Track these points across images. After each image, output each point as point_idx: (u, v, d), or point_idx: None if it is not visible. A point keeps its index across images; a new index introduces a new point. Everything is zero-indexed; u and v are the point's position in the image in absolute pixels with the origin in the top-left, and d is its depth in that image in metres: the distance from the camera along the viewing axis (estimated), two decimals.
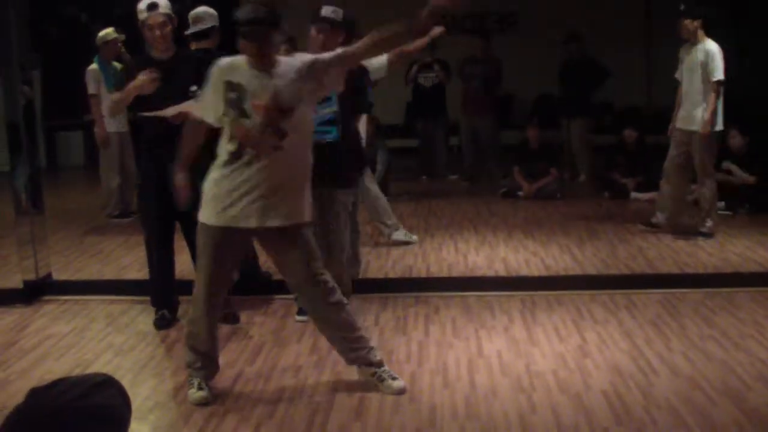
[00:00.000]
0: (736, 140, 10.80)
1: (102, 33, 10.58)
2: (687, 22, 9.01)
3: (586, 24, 14.68)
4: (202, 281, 5.28)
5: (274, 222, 5.10)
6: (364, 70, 6.94)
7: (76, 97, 12.24)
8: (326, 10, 6.47)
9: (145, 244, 6.87)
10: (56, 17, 17.57)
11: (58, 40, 17.38)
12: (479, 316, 6.81)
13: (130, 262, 8.65)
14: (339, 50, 5.25)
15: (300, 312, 6.81)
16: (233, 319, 6.75)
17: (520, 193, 11.91)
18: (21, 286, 7.61)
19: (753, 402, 5.09)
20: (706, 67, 8.91)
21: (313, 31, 6.62)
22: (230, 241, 5.18)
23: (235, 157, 5.02)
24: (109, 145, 10.74)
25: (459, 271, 8.24)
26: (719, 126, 9.00)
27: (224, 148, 5.07)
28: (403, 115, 16.74)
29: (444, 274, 8.16)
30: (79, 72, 10.89)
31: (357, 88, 6.68)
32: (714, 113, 8.86)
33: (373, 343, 5.60)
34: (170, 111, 6.20)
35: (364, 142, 7.68)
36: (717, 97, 8.87)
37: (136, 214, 9.88)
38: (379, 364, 5.39)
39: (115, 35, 10.58)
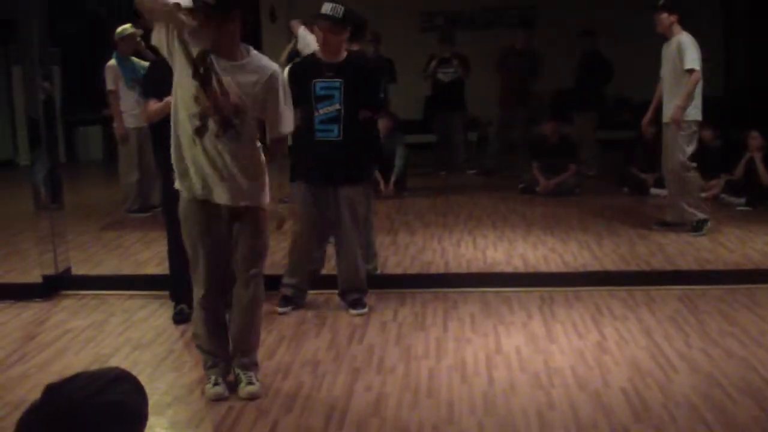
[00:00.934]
0: (756, 141, 10.75)
1: (120, 29, 10.59)
2: (663, 16, 9.00)
3: (604, 18, 14.64)
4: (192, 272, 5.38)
5: (241, 201, 5.17)
6: (379, 62, 7.01)
7: (95, 92, 12.25)
8: (326, 8, 6.55)
9: (167, 239, 6.87)
10: (76, 12, 17.62)
11: (78, 34, 17.43)
12: (498, 312, 6.79)
13: (149, 257, 8.67)
14: (277, 128, 5.17)
15: (355, 305, 6.88)
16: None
17: (539, 189, 11.87)
18: (40, 280, 7.64)
19: None
20: (678, 58, 8.90)
21: (315, 29, 6.70)
22: (206, 215, 5.20)
23: (198, 131, 4.99)
24: (128, 141, 10.76)
25: (477, 266, 8.21)
26: (695, 116, 8.95)
27: (186, 118, 5.03)
28: (421, 110, 16.74)
29: (463, 269, 8.14)
30: (98, 67, 10.92)
31: (367, 82, 6.70)
32: (686, 99, 8.84)
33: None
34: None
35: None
36: (692, 86, 8.83)
37: (156, 209, 9.92)
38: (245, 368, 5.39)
39: (133, 30, 10.58)
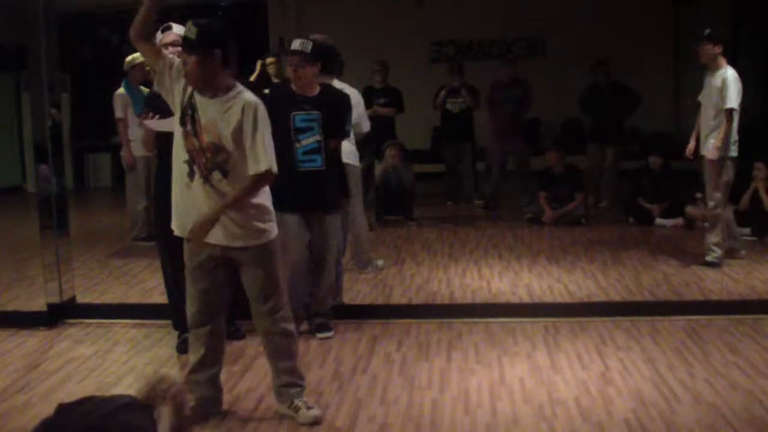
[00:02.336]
0: (761, 172, 10.75)
1: (129, 57, 10.65)
2: (708, 46, 8.94)
3: (614, 49, 14.66)
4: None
5: (235, 242, 5.11)
6: (343, 96, 7.17)
7: (105, 119, 12.32)
8: (295, 44, 6.76)
9: (161, 268, 6.90)
10: (88, 39, 17.75)
11: (90, 61, 17.55)
12: (502, 343, 6.78)
13: (155, 285, 8.67)
14: (253, 165, 4.95)
15: (319, 329, 7.07)
16: (237, 334, 6.93)
17: (545, 219, 11.88)
18: (45, 308, 7.65)
19: None
20: (720, 93, 8.85)
21: (288, 64, 6.87)
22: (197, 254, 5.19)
23: (189, 175, 5.03)
24: (136, 169, 10.80)
25: (483, 297, 8.21)
26: (732, 152, 8.91)
27: (179, 162, 5.09)
28: (429, 140, 16.79)
29: (468, 300, 8.13)
30: (109, 94, 10.99)
31: (339, 114, 6.93)
32: (724, 140, 8.80)
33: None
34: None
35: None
36: (729, 125, 8.80)
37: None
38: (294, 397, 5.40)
39: (143, 59, 10.63)
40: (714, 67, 8.98)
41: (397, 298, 8.22)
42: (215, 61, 4.94)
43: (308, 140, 6.69)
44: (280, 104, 6.71)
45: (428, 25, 17.58)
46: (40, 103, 7.81)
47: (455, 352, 6.57)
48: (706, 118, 9.06)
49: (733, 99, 8.78)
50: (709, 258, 9.08)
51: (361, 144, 8.88)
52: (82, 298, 8.10)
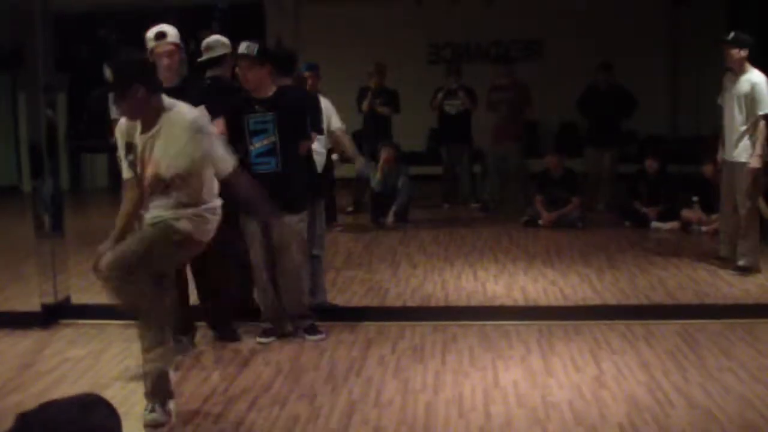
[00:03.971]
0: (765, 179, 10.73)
1: None
2: (734, 51, 8.80)
3: (611, 51, 14.65)
4: None
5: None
6: (308, 95, 7.16)
7: (102, 120, 12.30)
8: (242, 47, 6.77)
9: None
10: (87, 39, 17.75)
11: (88, 61, 17.53)
12: (496, 346, 6.78)
13: None
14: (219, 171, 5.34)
15: (308, 332, 7.02)
16: (233, 336, 6.99)
17: (541, 222, 11.88)
18: (39, 309, 7.64)
19: None
20: (751, 99, 8.70)
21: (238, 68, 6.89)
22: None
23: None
24: None
25: (478, 300, 8.21)
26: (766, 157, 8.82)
27: None
28: (426, 142, 16.78)
29: (463, 302, 8.13)
30: (106, 94, 10.96)
31: (297, 114, 6.90)
32: (764, 147, 8.66)
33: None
34: None
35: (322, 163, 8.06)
36: (766, 131, 8.66)
37: None
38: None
39: None
40: (739, 71, 8.86)
41: (392, 300, 8.22)
42: (137, 96, 5.13)
43: (261, 142, 6.69)
44: (237, 109, 6.79)
45: (426, 26, 17.57)
46: (36, 103, 7.81)
47: (449, 355, 6.57)
48: (735, 124, 8.88)
49: (767, 104, 8.67)
50: (742, 263, 8.98)
51: (358, 145, 8.87)
52: (76, 299, 8.08)
